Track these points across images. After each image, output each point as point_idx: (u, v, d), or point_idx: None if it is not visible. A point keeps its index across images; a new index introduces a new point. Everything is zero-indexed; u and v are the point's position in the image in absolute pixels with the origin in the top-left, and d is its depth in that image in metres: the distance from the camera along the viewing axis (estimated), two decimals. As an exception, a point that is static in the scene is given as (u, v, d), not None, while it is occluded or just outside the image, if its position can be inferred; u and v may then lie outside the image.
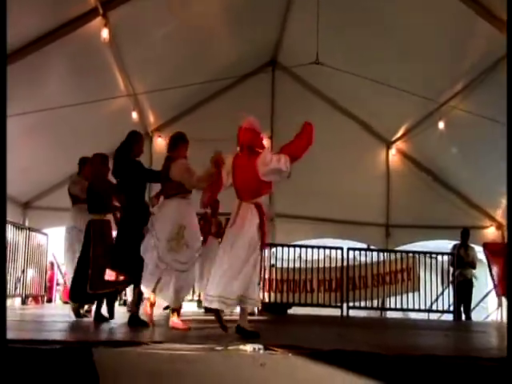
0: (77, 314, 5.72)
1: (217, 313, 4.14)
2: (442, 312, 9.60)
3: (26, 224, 9.25)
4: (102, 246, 5.43)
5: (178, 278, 4.63)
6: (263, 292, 9.23)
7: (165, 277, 4.65)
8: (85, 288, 5.35)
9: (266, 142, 9.94)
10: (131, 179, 5.08)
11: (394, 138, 10.67)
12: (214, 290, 4.08)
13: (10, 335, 3.80)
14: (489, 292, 11.23)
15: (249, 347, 3.21)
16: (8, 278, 7.83)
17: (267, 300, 9.20)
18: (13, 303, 8.62)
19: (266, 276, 9.20)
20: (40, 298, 9.29)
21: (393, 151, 10.80)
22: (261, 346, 3.22)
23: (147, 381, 3.03)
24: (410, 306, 9.29)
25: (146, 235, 4.86)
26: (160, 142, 10.07)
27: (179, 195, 4.78)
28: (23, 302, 8.50)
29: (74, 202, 6.44)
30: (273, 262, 9.69)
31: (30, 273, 8.65)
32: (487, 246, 9.96)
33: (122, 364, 3.07)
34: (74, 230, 6.42)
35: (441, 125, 9.01)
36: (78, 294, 5.54)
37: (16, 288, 8.27)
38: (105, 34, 6.71)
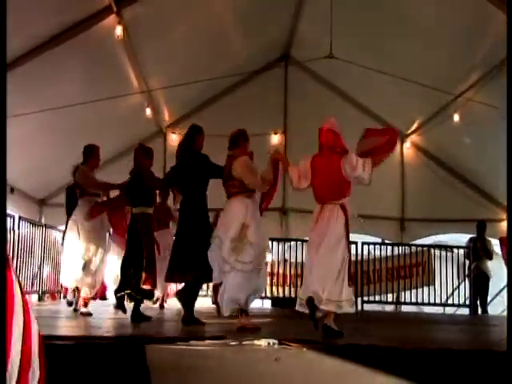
0: (120, 305, 5.45)
1: (313, 314, 4.09)
2: (458, 306, 9.54)
3: (43, 221, 9.34)
4: (153, 241, 5.36)
5: (243, 278, 4.45)
6: (277, 287, 9.26)
7: (229, 278, 4.46)
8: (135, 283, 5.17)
9: (278, 137, 10.00)
10: (197, 173, 4.94)
11: (408, 132, 10.59)
12: (325, 293, 4.02)
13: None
14: (505, 285, 11.14)
15: (263, 342, 3.23)
16: (25, 274, 7.93)
17: (281, 295, 9.22)
18: (30, 299, 8.72)
19: (280, 271, 9.22)
20: (57, 294, 9.38)
21: (407, 144, 10.72)
22: (275, 341, 3.23)
23: (162, 375, 3.06)
24: (426, 300, 9.24)
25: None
26: (174, 139, 10.11)
27: (243, 194, 4.60)
28: (40, 299, 8.60)
29: (82, 195, 6.06)
30: (287, 256, 9.70)
31: (47, 269, 8.73)
32: (504, 240, 9.86)
33: (136, 359, 3.11)
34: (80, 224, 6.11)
35: (456, 117, 8.93)
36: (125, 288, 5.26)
37: (33, 284, 8.36)
38: (118, 31, 6.75)
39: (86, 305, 5.82)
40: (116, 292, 5.35)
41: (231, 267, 4.40)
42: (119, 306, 5.33)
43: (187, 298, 4.91)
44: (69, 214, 6.38)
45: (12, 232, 7.72)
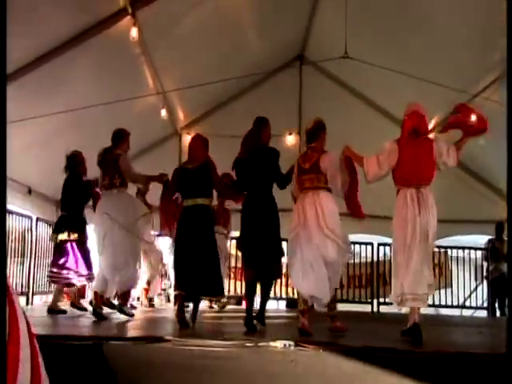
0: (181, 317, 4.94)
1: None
2: (476, 308, 9.43)
3: (60, 222, 9.41)
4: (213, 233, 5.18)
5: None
6: (292, 288, 9.23)
7: (314, 277, 4.37)
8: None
9: (293, 138, 9.97)
10: (266, 167, 4.81)
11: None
12: (410, 288, 4.00)
13: (44, 331, 3.89)
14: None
15: (279, 343, 3.22)
16: (42, 274, 8.01)
17: (296, 296, 9.18)
18: (47, 299, 8.81)
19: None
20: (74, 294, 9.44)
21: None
22: (291, 343, 3.22)
23: (179, 376, 3.06)
24: (443, 302, 9.15)
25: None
26: (189, 140, 10.13)
27: (328, 189, 4.52)
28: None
29: (111, 187, 5.64)
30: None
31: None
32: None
33: (153, 359, 3.11)
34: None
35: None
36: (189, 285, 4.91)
37: (50, 285, 8.43)
38: (134, 33, 6.77)
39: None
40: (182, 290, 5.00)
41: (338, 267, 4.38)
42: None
43: (266, 294, 4.91)
44: (73, 209, 6.45)
45: (30, 232, 7.81)
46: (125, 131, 5.90)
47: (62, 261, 6.30)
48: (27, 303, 7.64)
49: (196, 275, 4.75)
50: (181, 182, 5.11)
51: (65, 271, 6.27)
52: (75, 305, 6.58)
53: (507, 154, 3.94)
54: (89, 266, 6.35)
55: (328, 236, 4.34)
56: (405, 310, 4.60)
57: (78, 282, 6.36)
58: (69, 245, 6.31)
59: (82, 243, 6.37)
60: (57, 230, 6.53)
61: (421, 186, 4.21)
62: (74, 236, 6.32)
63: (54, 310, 6.24)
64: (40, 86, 6.61)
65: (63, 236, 6.36)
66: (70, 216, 6.48)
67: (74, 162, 6.55)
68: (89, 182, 6.54)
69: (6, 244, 2.02)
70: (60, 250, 6.39)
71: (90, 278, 6.34)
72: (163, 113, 9.08)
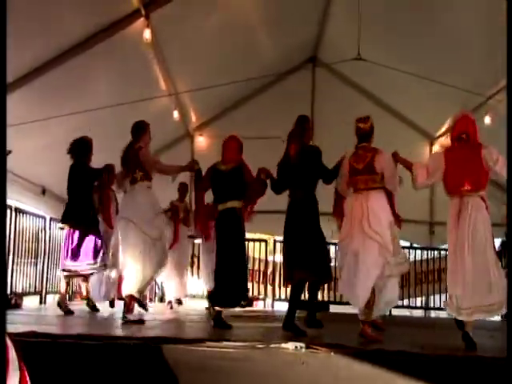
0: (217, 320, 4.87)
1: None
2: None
3: (73, 222, 9.48)
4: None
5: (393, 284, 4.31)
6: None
7: (388, 282, 4.28)
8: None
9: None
10: (311, 166, 4.76)
11: (437, 134, 10.44)
12: (472, 301, 3.95)
13: (58, 330, 3.92)
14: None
15: (290, 345, 3.22)
16: (55, 274, 8.08)
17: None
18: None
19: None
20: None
21: (436, 147, 10.57)
22: (302, 345, 3.22)
23: (190, 377, 3.07)
24: (455, 305, 9.08)
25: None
26: (201, 141, 10.17)
27: (383, 189, 4.45)
28: (70, 298, 8.73)
29: (135, 181, 5.30)
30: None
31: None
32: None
33: (166, 361, 3.13)
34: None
35: (487, 119, 8.76)
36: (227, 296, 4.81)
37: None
38: (147, 34, 6.82)
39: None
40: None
41: (391, 271, 4.26)
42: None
43: (295, 297, 4.76)
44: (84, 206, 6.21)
45: (44, 232, 7.87)
46: (144, 122, 5.66)
47: (66, 251, 6.16)
48: (40, 302, 7.70)
49: (223, 282, 4.74)
50: (213, 183, 5.06)
51: (69, 262, 6.12)
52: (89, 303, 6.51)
53: (507, 154, 3.93)
54: (93, 255, 6.11)
55: (370, 236, 4.26)
56: (416, 312, 4.58)
57: (81, 272, 6.17)
58: (73, 234, 6.13)
59: (86, 232, 6.14)
60: (62, 219, 6.36)
61: (467, 194, 4.08)
62: (78, 225, 6.14)
63: (60, 305, 6.12)
64: (54, 87, 6.67)
65: (68, 225, 6.21)
66: (74, 204, 6.24)
67: (80, 146, 6.30)
68: (99, 170, 6.33)
69: (5, 246, 2.06)
70: (65, 239, 6.26)
71: (94, 268, 6.14)
72: (175, 114, 9.12)
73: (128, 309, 5.03)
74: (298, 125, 4.87)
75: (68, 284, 6.56)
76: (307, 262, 4.61)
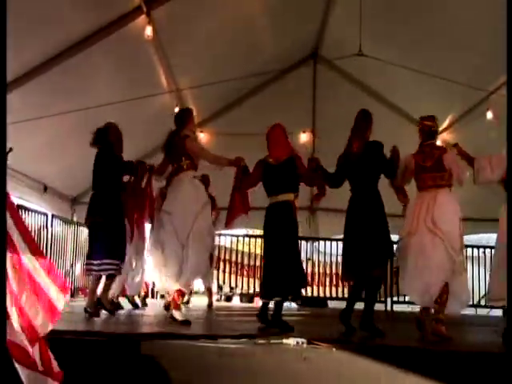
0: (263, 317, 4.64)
1: None
2: (491, 307, 9.34)
3: (75, 219, 9.51)
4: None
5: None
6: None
7: (459, 279, 4.27)
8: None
9: (306, 136, 9.91)
10: (374, 161, 4.64)
11: (439, 129, 10.42)
12: None
13: (61, 326, 3.92)
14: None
15: (292, 341, 3.22)
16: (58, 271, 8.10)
17: (309, 294, 9.20)
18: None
19: (309, 270, 9.20)
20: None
21: (438, 142, 10.54)
22: (304, 340, 3.22)
23: (190, 373, 3.08)
24: (457, 301, 9.08)
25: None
26: (202, 138, 10.16)
27: (450, 187, 4.46)
28: (72, 295, 8.77)
29: (178, 171, 5.02)
30: (315, 256, 9.67)
31: (79, 266, 8.89)
32: None
33: (166, 357, 3.13)
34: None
35: (489, 115, 8.75)
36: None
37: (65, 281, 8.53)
38: (149, 31, 6.82)
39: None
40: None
41: (458, 269, 4.24)
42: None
43: (373, 297, 4.63)
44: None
45: (45, 230, 7.89)
46: (190, 110, 5.29)
47: (89, 248, 5.61)
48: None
49: (277, 276, 4.55)
50: (264, 178, 4.83)
51: (92, 260, 5.47)
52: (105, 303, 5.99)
53: (507, 153, 3.92)
54: (114, 254, 5.46)
55: (436, 233, 4.23)
56: (418, 308, 4.57)
57: (103, 272, 5.48)
58: (96, 229, 5.53)
59: (108, 227, 5.43)
60: (88, 212, 5.67)
61: None
62: (100, 219, 5.46)
63: (103, 305, 5.68)
64: (56, 84, 6.68)
65: (91, 219, 5.57)
66: (99, 196, 5.60)
67: (107, 133, 5.73)
68: (130, 162, 5.78)
69: (5, 246, 2.10)
70: (89, 235, 5.73)
71: (114, 268, 5.50)
72: (177, 110, 9.11)
73: (176, 306, 4.68)
74: (362, 120, 4.80)
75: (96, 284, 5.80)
76: (381, 258, 4.57)
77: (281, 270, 4.55)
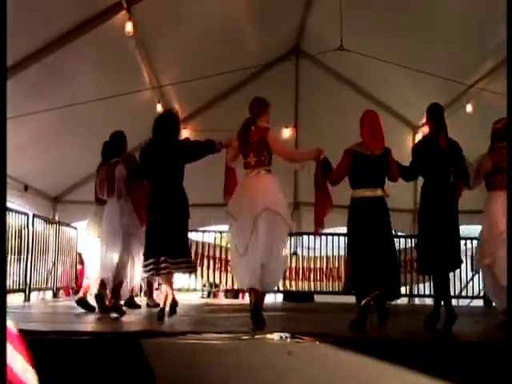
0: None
1: None
2: (472, 298, 9.47)
3: (56, 218, 9.42)
4: None
5: None
6: (289, 281, 9.29)
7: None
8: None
9: (289, 131, 9.92)
10: (459, 161, 4.72)
11: (420, 123, 10.50)
12: None
13: (44, 327, 3.90)
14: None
15: (276, 336, 3.23)
16: (39, 271, 8.03)
17: (294, 288, 9.24)
18: (44, 296, 8.83)
19: (293, 265, 9.24)
20: (71, 290, 9.48)
21: (419, 136, 10.63)
22: (288, 335, 3.23)
23: (175, 369, 3.07)
24: (440, 293, 9.18)
25: None
26: (185, 135, 10.11)
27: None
28: (55, 295, 8.70)
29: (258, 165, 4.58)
30: (298, 250, 9.70)
31: (61, 266, 8.82)
32: None
33: (152, 354, 3.12)
34: None
35: (469, 108, 8.83)
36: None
37: (47, 281, 8.45)
38: (129, 27, 6.76)
39: None
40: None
41: None
42: None
43: (446, 289, 4.64)
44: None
45: (26, 229, 7.80)
46: (266, 100, 4.78)
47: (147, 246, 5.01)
48: (25, 300, 7.64)
49: (373, 275, 4.32)
50: (355, 170, 4.54)
51: (151, 259, 4.88)
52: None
53: (507, 152, 3.97)
54: (177, 252, 4.87)
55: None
56: (400, 301, 4.63)
57: (162, 272, 4.86)
58: (157, 227, 4.91)
59: (171, 224, 4.86)
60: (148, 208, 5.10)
61: None
62: (162, 216, 4.89)
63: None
64: (35, 82, 6.60)
65: (153, 216, 4.98)
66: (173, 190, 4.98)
67: (168, 119, 5.22)
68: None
69: (5, 246, 2.07)
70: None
71: (178, 267, 4.96)
72: (159, 108, 9.06)
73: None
74: (441, 116, 4.83)
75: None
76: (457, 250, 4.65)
77: (380, 268, 4.34)
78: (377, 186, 4.51)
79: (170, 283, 4.95)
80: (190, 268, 5.21)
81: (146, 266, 4.90)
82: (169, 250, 4.76)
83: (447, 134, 4.73)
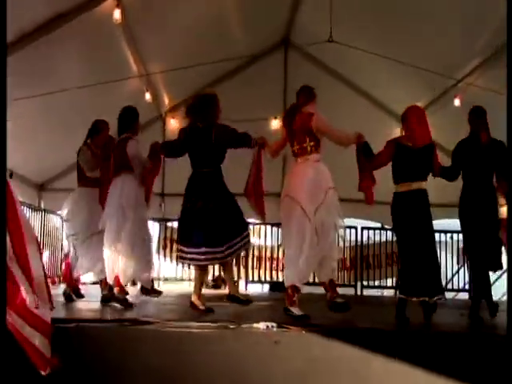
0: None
1: None
2: (458, 291, 9.57)
3: (42, 206, 9.34)
4: None
5: None
6: (276, 271, 9.31)
7: None
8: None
9: (278, 122, 9.90)
10: (500, 159, 4.70)
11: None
12: None
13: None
14: (505, 270, 11.16)
15: (262, 325, 3.24)
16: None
17: (280, 279, 9.25)
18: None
19: (280, 256, 9.26)
20: (56, 279, 9.42)
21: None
22: (274, 324, 3.24)
23: (162, 358, 3.07)
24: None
25: None
26: (173, 124, 10.05)
27: None
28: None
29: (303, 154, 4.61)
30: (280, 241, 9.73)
31: (46, 254, 8.76)
32: (503, 222, 9.85)
33: (135, 342, 3.12)
34: None
35: (456, 102, 8.87)
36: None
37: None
38: (117, 15, 6.68)
39: None
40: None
41: None
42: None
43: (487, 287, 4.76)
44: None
45: (11, 217, 7.71)
46: (315, 91, 4.84)
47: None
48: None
49: (415, 271, 4.39)
50: (397, 162, 4.62)
51: (191, 249, 4.59)
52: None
53: (507, 147, 3.98)
54: (217, 241, 4.52)
55: None
56: (386, 292, 4.66)
57: (201, 262, 4.57)
58: (194, 215, 4.65)
59: (210, 211, 4.59)
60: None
61: None
62: (199, 204, 4.64)
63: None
64: (19, 69, 6.47)
65: (189, 204, 4.74)
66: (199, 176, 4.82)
67: (206, 103, 5.08)
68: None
69: (5, 246, 2.06)
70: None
71: (220, 257, 4.54)
72: (147, 96, 8.99)
73: (291, 301, 4.05)
74: (484, 115, 4.86)
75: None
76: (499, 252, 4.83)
77: (422, 266, 4.40)
78: (421, 178, 4.59)
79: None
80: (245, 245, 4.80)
81: (201, 253, 4.45)
82: (226, 236, 4.51)
83: (489, 133, 4.75)
